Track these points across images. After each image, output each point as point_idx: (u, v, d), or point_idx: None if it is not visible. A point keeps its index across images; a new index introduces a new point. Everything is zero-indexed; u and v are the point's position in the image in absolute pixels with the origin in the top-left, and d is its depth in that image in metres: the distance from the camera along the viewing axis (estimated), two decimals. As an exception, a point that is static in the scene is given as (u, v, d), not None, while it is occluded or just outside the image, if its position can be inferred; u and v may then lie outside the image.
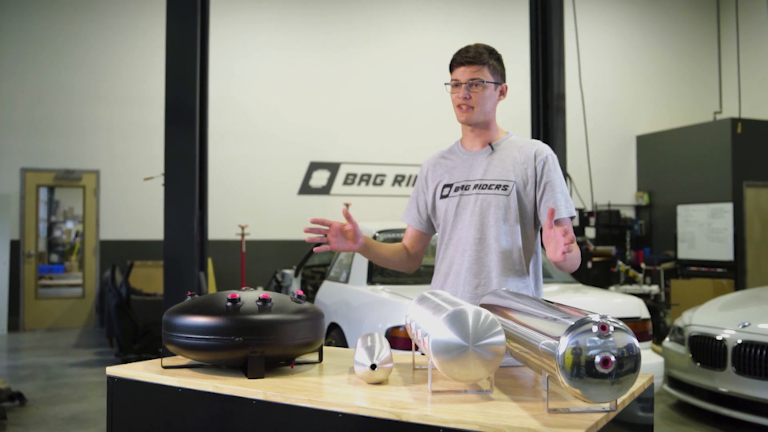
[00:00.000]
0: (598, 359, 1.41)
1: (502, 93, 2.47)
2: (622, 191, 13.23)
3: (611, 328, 1.43)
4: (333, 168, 11.71)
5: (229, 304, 1.91)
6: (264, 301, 1.94)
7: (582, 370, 1.41)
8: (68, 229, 12.38)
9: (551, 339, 1.50)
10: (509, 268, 2.39)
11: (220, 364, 2.00)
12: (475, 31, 11.92)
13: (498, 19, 12.43)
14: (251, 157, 11.18)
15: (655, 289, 8.28)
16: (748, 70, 12.85)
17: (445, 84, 2.46)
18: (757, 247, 11.55)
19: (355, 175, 11.82)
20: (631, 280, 8.75)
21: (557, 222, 2.37)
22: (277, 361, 1.97)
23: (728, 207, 11.19)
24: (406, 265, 2.60)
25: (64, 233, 12.45)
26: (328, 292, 5.54)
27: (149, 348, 7.70)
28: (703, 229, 11.58)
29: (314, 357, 2.17)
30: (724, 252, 11.21)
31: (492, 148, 2.46)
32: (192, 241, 5.62)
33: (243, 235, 9.91)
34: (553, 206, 2.36)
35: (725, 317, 5.38)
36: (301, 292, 2.09)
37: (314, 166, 11.63)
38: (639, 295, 7.50)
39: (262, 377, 1.88)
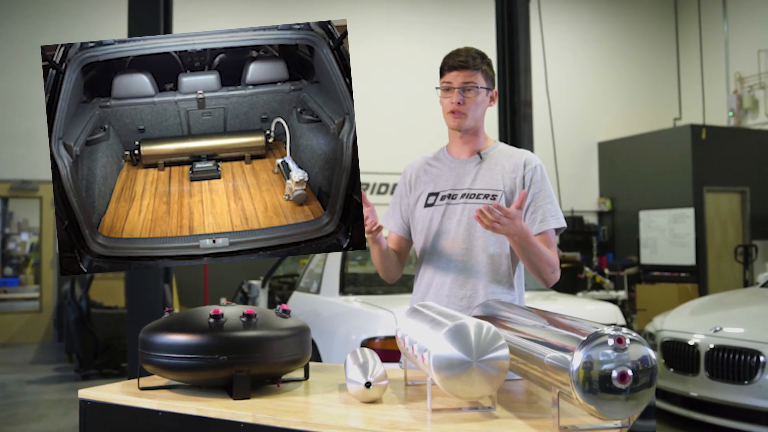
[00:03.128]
0: (615, 374, 1.34)
1: (492, 99, 2.41)
2: (584, 198, 13.34)
3: (627, 341, 1.36)
4: (297, 176, 11.56)
5: (211, 320, 1.79)
6: (249, 316, 1.83)
7: (598, 385, 1.34)
8: (23, 241, 12.03)
9: (562, 352, 1.42)
10: (496, 279, 2.33)
11: (201, 385, 1.88)
12: (439, 39, 11.91)
13: (462, 26, 12.45)
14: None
15: (622, 294, 8.32)
16: (706, 79, 13.09)
17: (436, 88, 2.39)
18: (717, 251, 11.72)
19: (319, 184, 11.68)
20: (598, 287, 8.79)
21: (544, 233, 2.32)
22: (262, 380, 1.86)
23: (689, 212, 11.35)
24: (396, 271, 2.52)
25: (18, 245, 12.09)
26: (299, 304, 5.41)
27: (110, 363, 7.50)
28: (665, 235, 11.73)
29: (299, 374, 2.06)
30: (686, 257, 11.36)
31: (480, 157, 2.40)
32: (156, 252, 5.45)
33: (206, 245, 9.70)
34: (542, 217, 2.31)
35: (696, 322, 5.40)
36: (286, 306, 1.99)
37: (278, 175, 11.46)
38: (606, 301, 7.51)
39: (248, 398, 1.76)
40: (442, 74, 2.36)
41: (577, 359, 1.35)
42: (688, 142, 11.57)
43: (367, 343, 4.08)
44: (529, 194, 2.33)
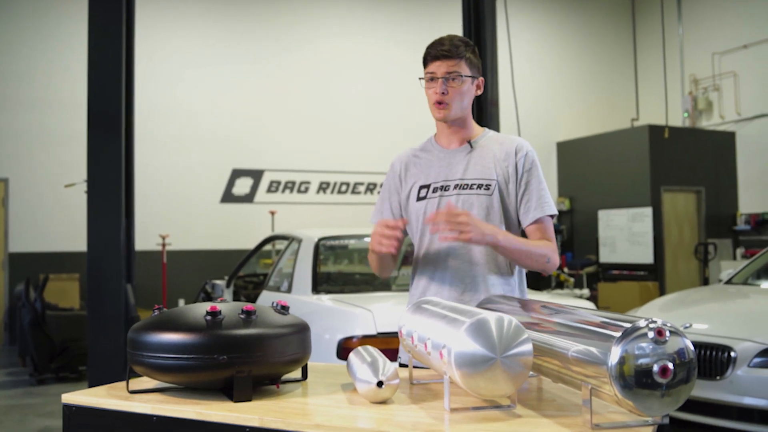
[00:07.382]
0: (656, 368, 1.27)
1: (479, 87, 2.36)
2: (543, 197, 13.38)
3: (667, 333, 1.29)
4: (256, 175, 11.39)
5: (208, 317, 1.68)
6: (248, 313, 1.72)
7: (637, 380, 1.27)
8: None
9: (591, 346, 1.35)
10: (495, 271, 2.27)
11: (198, 387, 1.75)
12: (404, 38, 11.84)
13: (429, 25, 12.37)
14: (170, 163, 10.72)
15: (586, 292, 8.37)
16: (661, 79, 13.28)
17: (420, 78, 2.33)
18: (674, 249, 11.91)
19: (279, 183, 11.54)
20: (561, 285, 8.82)
21: (539, 220, 2.27)
22: (262, 380, 1.75)
23: (648, 211, 11.49)
24: (390, 270, 2.44)
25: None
26: (268, 303, 5.26)
27: (67, 366, 7.24)
28: (624, 233, 11.86)
29: (296, 374, 1.96)
30: (645, 255, 11.50)
31: (471, 146, 2.34)
32: (118, 252, 5.24)
33: (164, 245, 9.47)
34: (536, 204, 2.27)
35: (666, 319, 5.40)
36: (284, 303, 1.89)
37: (237, 174, 11.28)
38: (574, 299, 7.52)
39: (249, 400, 1.65)
40: (425, 64, 2.31)
41: (615, 353, 1.28)
42: (646, 142, 11.72)
43: (344, 343, 3.97)
44: (522, 181, 2.28)
